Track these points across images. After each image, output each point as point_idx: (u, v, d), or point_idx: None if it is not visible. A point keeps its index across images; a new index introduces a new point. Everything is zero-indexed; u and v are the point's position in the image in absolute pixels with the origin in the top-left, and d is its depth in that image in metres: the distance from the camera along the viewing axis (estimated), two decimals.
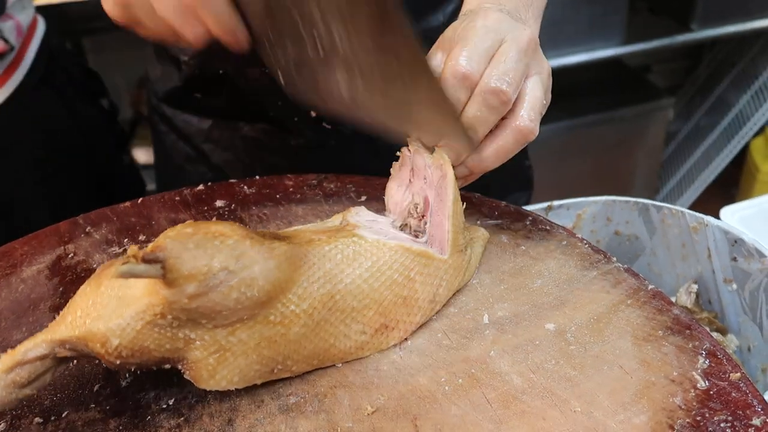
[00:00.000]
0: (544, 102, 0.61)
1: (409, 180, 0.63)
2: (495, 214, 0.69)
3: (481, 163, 0.61)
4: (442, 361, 0.54)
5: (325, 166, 0.79)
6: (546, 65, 0.63)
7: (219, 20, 0.59)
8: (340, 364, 0.55)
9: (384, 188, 0.72)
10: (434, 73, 0.59)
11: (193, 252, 0.46)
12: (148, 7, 0.60)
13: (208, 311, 0.47)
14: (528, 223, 0.67)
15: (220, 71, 0.88)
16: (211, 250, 0.47)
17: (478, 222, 0.68)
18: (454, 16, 0.91)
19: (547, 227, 0.67)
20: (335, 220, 0.60)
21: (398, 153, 0.64)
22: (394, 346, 0.56)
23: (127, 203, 0.72)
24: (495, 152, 0.61)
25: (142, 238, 0.68)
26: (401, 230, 0.60)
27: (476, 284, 0.61)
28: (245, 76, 0.87)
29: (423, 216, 0.61)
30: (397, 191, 0.64)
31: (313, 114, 0.88)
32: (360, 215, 0.60)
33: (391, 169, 0.65)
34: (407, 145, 0.63)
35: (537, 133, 0.60)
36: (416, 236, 0.60)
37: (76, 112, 1.12)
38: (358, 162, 0.81)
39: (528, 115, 0.59)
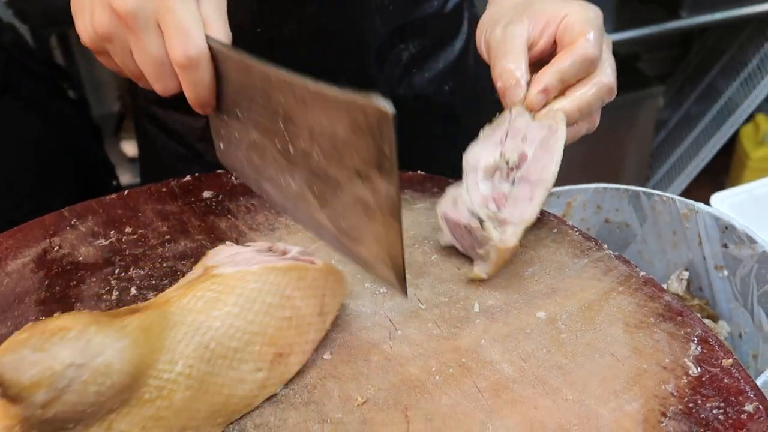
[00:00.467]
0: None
1: (501, 140, 0.63)
2: None
3: (569, 108, 0.63)
4: (433, 351, 0.54)
5: None
6: (609, 41, 0.66)
7: (197, 88, 0.59)
8: (328, 355, 0.54)
9: None
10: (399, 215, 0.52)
11: (30, 358, 0.42)
12: (126, 50, 0.58)
13: (71, 414, 0.43)
14: None
15: None
16: (52, 350, 0.43)
17: None
18: (449, 3, 0.91)
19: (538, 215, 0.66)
20: (197, 270, 0.55)
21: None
22: (386, 336, 0.55)
23: (114, 195, 0.71)
24: (577, 100, 0.63)
25: (128, 230, 0.67)
26: (269, 252, 0.55)
27: (466, 273, 0.61)
28: None
29: (513, 169, 0.61)
30: (483, 150, 0.63)
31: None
32: (219, 254, 0.55)
33: (480, 132, 0.64)
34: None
35: (615, 93, 0.65)
36: (284, 253, 0.55)
37: (45, 114, 1.10)
38: None
39: (612, 73, 0.64)
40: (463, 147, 0.64)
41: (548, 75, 0.62)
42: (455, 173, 0.64)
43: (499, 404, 0.49)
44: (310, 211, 0.59)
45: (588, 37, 0.62)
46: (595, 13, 0.65)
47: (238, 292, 0.50)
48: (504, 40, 0.65)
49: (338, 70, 0.87)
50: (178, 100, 0.68)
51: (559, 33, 0.64)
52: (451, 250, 0.63)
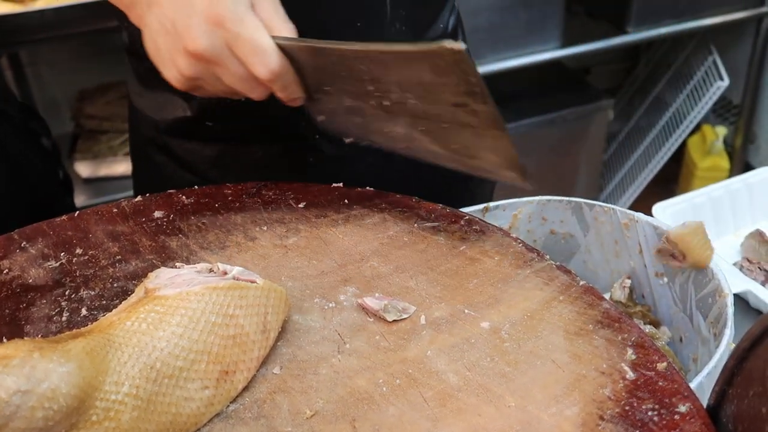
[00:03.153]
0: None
1: None
2: (432, 217, 0.70)
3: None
4: (380, 363, 0.55)
5: (340, 178, 0.78)
6: None
7: (287, 90, 0.65)
8: (278, 370, 0.55)
9: (321, 195, 0.73)
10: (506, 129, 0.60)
11: None
12: (216, 80, 0.64)
13: None
14: (464, 224, 0.69)
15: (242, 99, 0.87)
16: None
17: (416, 225, 0.69)
18: (449, 24, 0.93)
19: (482, 227, 0.69)
20: (138, 292, 0.56)
21: None
22: (334, 350, 0.56)
23: (64, 217, 0.71)
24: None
25: (79, 251, 0.67)
26: (210, 273, 0.57)
27: (413, 286, 0.62)
28: (271, 101, 0.87)
29: None
30: None
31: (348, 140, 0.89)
32: (159, 277, 0.56)
33: None
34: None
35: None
36: (225, 274, 0.57)
37: (12, 158, 1.08)
38: (373, 171, 0.81)
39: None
40: None
41: None
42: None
43: (445, 413, 0.51)
44: (423, 145, 0.65)
45: None
46: None
47: (181, 312, 0.51)
48: None
49: None
50: (190, 128, 0.70)
51: None
52: (400, 265, 0.65)
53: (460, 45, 0.51)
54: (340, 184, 0.75)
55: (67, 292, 0.63)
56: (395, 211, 0.71)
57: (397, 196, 0.73)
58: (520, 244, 0.66)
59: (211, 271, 0.56)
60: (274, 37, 0.62)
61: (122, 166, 1.89)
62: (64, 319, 0.61)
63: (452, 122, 0.59)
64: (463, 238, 0.67)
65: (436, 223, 0.69)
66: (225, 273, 0.56)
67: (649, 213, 0.83)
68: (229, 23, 0.61)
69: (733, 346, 0.65)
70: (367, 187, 0.74)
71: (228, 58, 0.62)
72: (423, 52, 0.54)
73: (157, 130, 0.92)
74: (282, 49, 0.62)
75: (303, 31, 0.80)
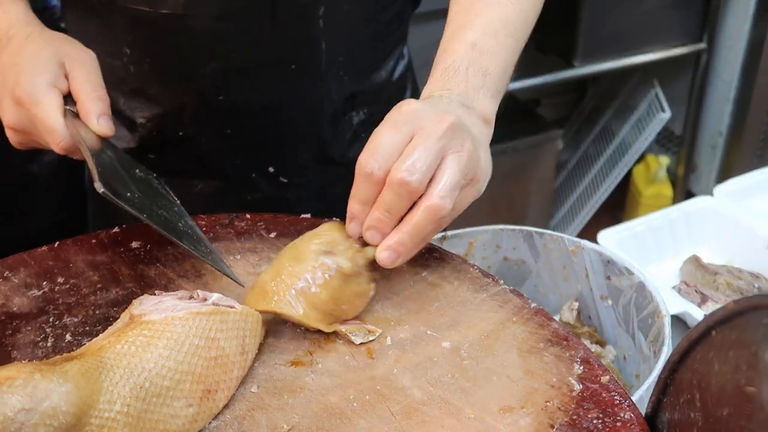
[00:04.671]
0: (462, 179, 0.63)
1: None
2: None
3: (402, 245, 0.64)
4: (351, 381, 0.60)
5: None
6: (467, 144, 0.64)
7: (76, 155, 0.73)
8: (256, 389, 0.59)
9: (291, 225, 0.78)
10: None
11: None
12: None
13: None
14: (424, 252, 0.74)
15: (180, 133, 0.91)
16: (2, 398, 0.47)
17: None
18: (396, 72, 0.98)
19: (441, 255, 0.74)
20: (123, 318, 0.60)
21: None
22: (308, 369, 0.61)
23: (44, 248, 0.75)
24: (410, 232, 0.63)
25: (60, 280, 0.71)
26: (190, 300, 0.61)
27: (379, 309, 0.67)
28: (206, 136, 0.91)
29: None
30: None
31: (271, 169, 0.93)
32: (143, 303, 0.60)
33: None
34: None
35: (449, 208, 0.62)
36: (204, 300, 0.61)
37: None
38: (312, 212, 0.84)
39: (438, 193, 0.62)
40: None
41: (369, 216, 0.64)
42: None
43: (411, 425, 0.56)
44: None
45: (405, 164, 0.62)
46: (435, 126, 0.63)
47: (167, 336, 0.55)
48: None
49: (296, 135, 0.93)
50: (136, 158, 0.76)
51: None
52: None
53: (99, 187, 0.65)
54: (308, 215, 0.80)
55: (51, 319, 0.67)
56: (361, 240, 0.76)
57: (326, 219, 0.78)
58: (477, 270, 0.72)
59: (191, 297, 0.60)
60: (68, 110, 0.72)
61: None
62: (49, 344, 0.64)
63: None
64: (424, 264, 0.72)
65: None
66: (205, 299, 0.60)
67: (596, 241, 0.90)
68: (26, 105, 0.72)
69: None
70: (334, 218, 0.79)
71: (34, 129, 0.73)
72: None
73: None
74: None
75: (239, 71, 0.86)
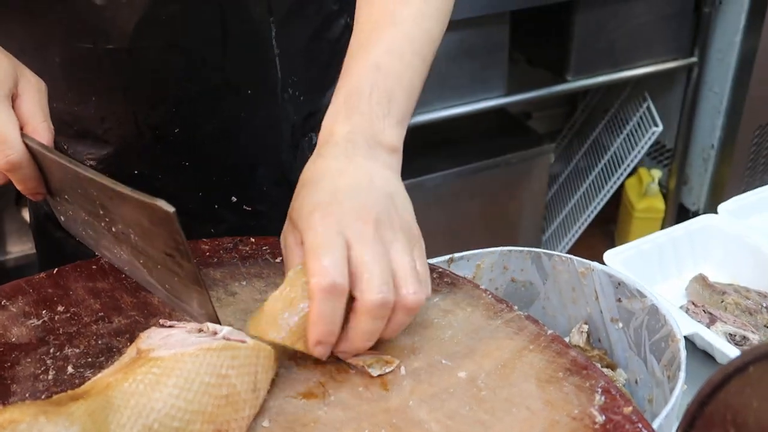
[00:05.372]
0: (411, 261, 0.61)
1: None
2: None
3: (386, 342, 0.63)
4: (365, 414, 0.58)
5: None
6: (396, 221, 0.62)
7: (24, 183, 0.69)
8: (267, 423, 0.57)
9: None
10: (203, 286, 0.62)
11: None
12: None
13: None
14: (435, 276, 0.73)
15: (135, 171, 0.88)
16: None
17: None
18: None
19: (453, 280, 0.72)
20: (130, 352, 0.58)
21: None
22: (320, 402, 0.59)
23: (42, 274, 0.72)
24: (393, 331, 0.62)
25: (60, 308, 0.69)
26: (200, 333, 0.59)
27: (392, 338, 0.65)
28: (162, 172, 0.88)
29: None
30: None
31: (234, 198, 0.91)
32: (151, 337, 0.58)
33: None
34: None
35: (425, 297, 0.61)
36: (215, 333, 0.59)
37: None
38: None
39: (409, 290, 0.59)
40: None
41: (348, 344, 0.61)
42: None
43: None
44: (143, 276, 0.68)
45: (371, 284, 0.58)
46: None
47: (177, 374, 0.53)
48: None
49: (256, 161, 0.91)
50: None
51: None
52: None
53: (169, 208, 0.55)
54: None
55: (51, 350, 0.64)
56: None
57: None
58: (490, 296, 0.70)
59: (200, 330, 0.58)
60: (24, 136, 0.67)
61: None
62: (50, 377, 0.62)
63: (164, 267, 0.63)
64: (435, 290, 0.71)
65: None
66: (215, 333, 0.58)
67: (589, 254, 0.88)
68: None
69: (685, 387, 0.70)
70: None
71: None
72: (140, 201, 0.58)
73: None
74: (29, 148, 0.67)
75: (192, 101, 0.83)
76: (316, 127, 0.92)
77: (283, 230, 0.66)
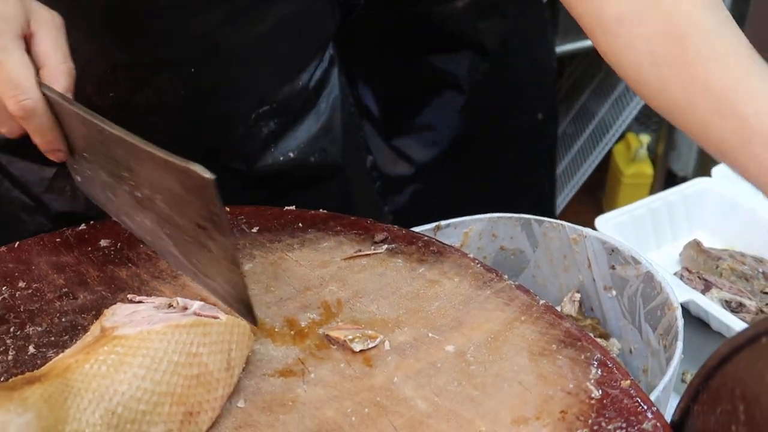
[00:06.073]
0: None
1: None
2: (388, 239, 0.70)
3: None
4: (347, 392, 0.55)
5: None
6: None
7: (40, 134, 0.63)
8: (243, 403, 0.54)
9: (274, 218, 0.72)
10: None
11: None
12: None
13: None
14: (421, 245, 0.69)
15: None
16: None
17: (372, 247, 0.68)
18: (321, 79, 0.91)
19: (439, 249, 0.69)
20: (94, 330, 0.54)
21: None
22: (299, 380, 0.55)
23: (3, 248, 0.68)
24: None
25: (22, 284, 0.65)
26: (169, 309, 0.56)
27: (375, 310, 0.62)
28: None
29: None
30: None
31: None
32: (116, 314, 0.54)
33: None
34: None
35: None
36: (185, 309, 0.55)
37: None
38: None
39: None
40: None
41: None
42: None
43: None
44: (166, 246, 0.62)
45: None
46: None
47: (143, 353, 0.49)
48: None
49: (196, 143, 0.86)
50: (25, 146, 0.67)
51: None
52: (360, 289, 0.64)
53: (208, 175, 0.50)
54: (293, 207, 0.74)
55: (11, 329, 0.60)
56: (351, 234, 0.70)
57: (352, 218, 0.72)
58: (479, 265, 0.66)
59: (170, 306, 0.54)
60: (43, 86, 0.61)
61: None
62: (10, 358, 0.58)
63: (194, 239, 0.57)
64: (421, 260, 0.67)
65: (393, 245, 0.69)
66: (185, 308, 0.54)
67: (578, 221, 0.84)
68: None
69: (681, 356, 0.67)
70: (321, 210, 0.74)
71: None
72: (174, 165, 0.53)
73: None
74: (46, 97, 0.61)
75: (162, 72, 0.78)
76: (266, 118, 0.87)
77: None
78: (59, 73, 0.62)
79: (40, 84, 0.61)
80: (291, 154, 0.89)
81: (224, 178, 0.87)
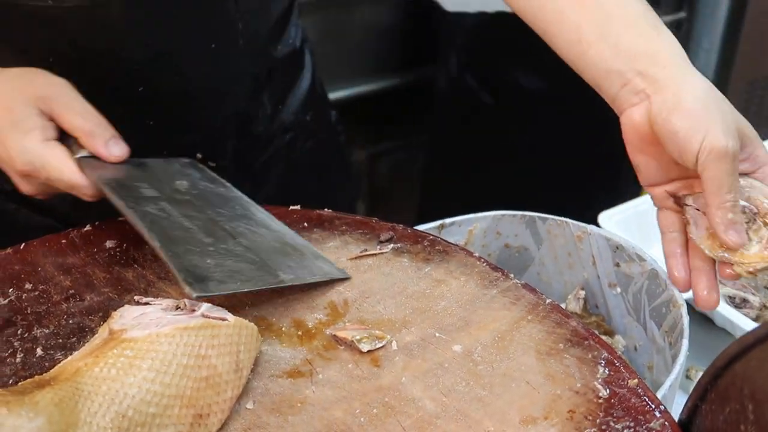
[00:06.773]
0: None
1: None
2: (393, 238, 0.70)
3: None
4: (356, 392, 0.55)
5: None
6: None
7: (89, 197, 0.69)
8: (251, 404, 0.54)
9: (279, 218, 0.72)
10: None
11: None
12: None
13: None
14: (426, 244, 0.69)
15: None
16: None
17: (378, 247, 0.69)
18: (296, 47, 0.96)
19: (445, 248, 0.69)
20: (102, 333, 0.54)
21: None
22: (307, 381, 0.55)
23: (9, 250, 0.68)
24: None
25: (28, 286, 0.64)
26: (177, 310, 0.55)
27: (382, 310, 0.62)
28: (128, 130, 0.84)
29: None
30: None
31: (200, 155, 0.90)
32: (124, 317, 0.54)
33: None
34: None
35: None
36: (193, 311, 0.56)
37: None
38: (243, 191, 0.81)
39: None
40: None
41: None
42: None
43: None
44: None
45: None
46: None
47: (152, 356, 0.50)
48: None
49: (218, 116, 0.90)
50: None
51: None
52: (366, 289, 0.64)
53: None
54: (297, 207, 0.74)
55: (19, 332, 0.60)
56: (356, 234, 0.70)
57: (357, 217, 0.72)
58: (484, 264, 0.66)
59: (177, 307, 0.54)
60: (82, 160, 0.69)
61: None
62: (18, 360, 0.58)
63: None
64: (426, 259, 0.67)
65: (398, 245, 0.69)
66: (193, 310, 0.54)
67: (573, 215, 0.84)
68: (35, 174, 0.68)
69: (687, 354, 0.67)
70: (326, 209, 0.74)
71: (58, 189, 0.69)
72: None
73: (3, 175, 0.87)
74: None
75: (157, 58, 0.82)
76: (272, 80, 0.93)
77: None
78: (91, 134, 0.69)
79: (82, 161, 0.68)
80: (295, 113, 0.98)
81: (243, 142, 0.92)
